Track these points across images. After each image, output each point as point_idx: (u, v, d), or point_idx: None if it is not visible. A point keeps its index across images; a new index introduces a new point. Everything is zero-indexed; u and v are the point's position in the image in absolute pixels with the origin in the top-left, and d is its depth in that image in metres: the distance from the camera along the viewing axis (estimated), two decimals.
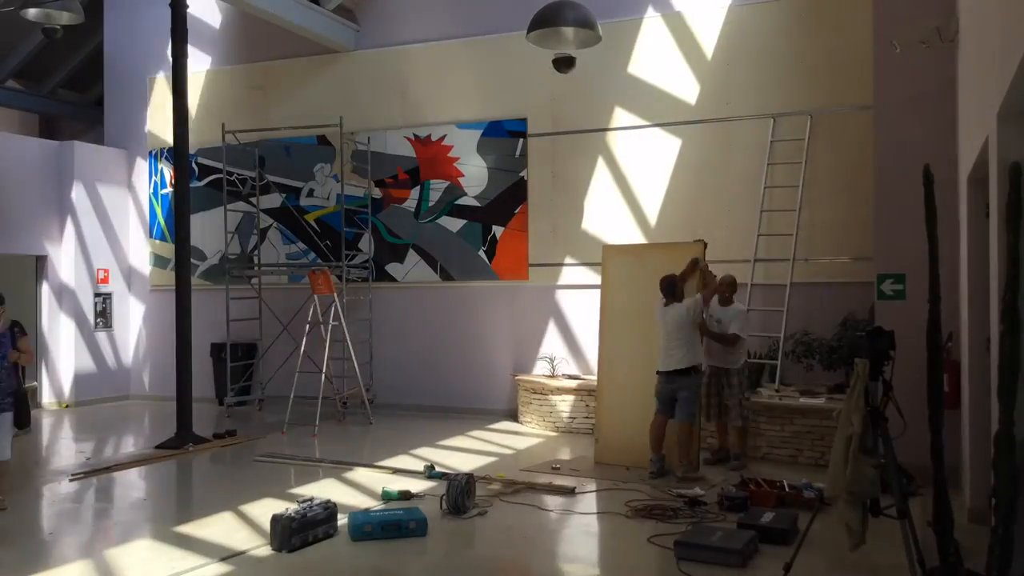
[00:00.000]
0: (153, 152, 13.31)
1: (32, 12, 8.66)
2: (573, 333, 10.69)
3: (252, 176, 12.33)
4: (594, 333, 10.51)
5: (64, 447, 9.97)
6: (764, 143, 9.70)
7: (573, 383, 9.93)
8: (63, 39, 10.06)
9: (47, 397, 12.39)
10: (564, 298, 10.74)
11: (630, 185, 10.41)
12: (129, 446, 9.90)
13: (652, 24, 10.31)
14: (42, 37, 10.97)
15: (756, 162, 9.71)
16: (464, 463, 8.05)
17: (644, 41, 10.33)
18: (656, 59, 10.28)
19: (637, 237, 10.33)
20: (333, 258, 11.63)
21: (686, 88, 10.13)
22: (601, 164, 10.56)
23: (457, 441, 9.37)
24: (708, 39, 10.01)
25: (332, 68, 12.11)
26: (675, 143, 10.18)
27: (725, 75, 9.93)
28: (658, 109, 10.25)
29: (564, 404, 9.94)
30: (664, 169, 10.22)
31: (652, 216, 10.28)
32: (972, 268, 6.05)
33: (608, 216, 10.47)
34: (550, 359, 10.36)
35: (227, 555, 5.38)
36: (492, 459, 8.41)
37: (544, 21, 8.00)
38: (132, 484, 7.70)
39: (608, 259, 8.71)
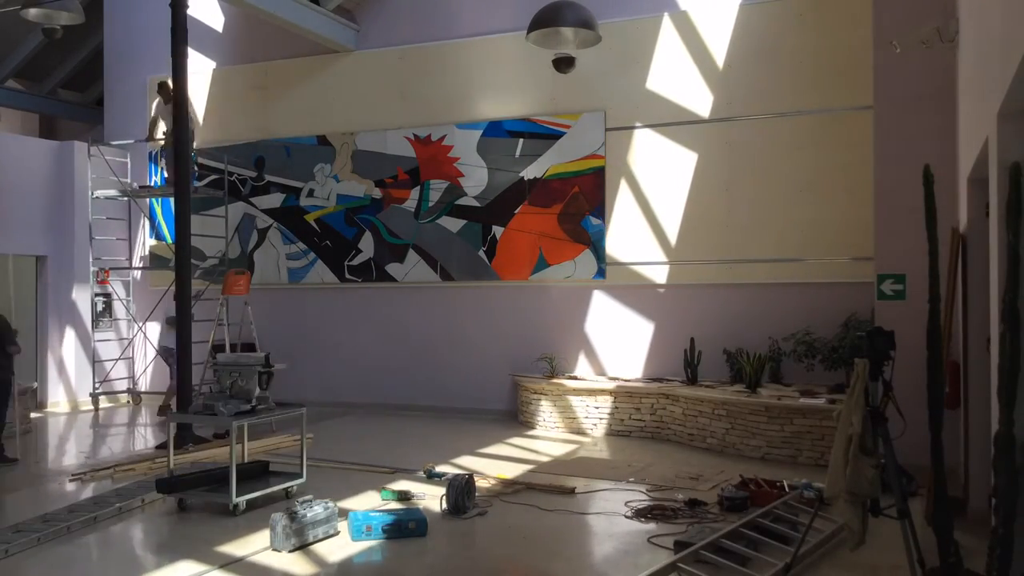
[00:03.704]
0: (153, 152, 13.30)
1: (32, 12, 8.68)
2: (574, 334, 10.68)
3: (252, 176, 12.34)
4: (598, 333, 10.56)
5: (64, 447, 9.97)
6: (764, 143, 9.70)
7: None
8: (63, 39, 10.09)
9: (47, 397, 12.38)
10: (565, 298, 10.74)
11: (636, 182, 10.41)
12: (130, 446, 9.90)
13: (655, 24, 10.31)
14: (42, 37, 10.99)
15: (756, 161, 9.73)
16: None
17: (647, 41, 10.33)
18: (660, 59, 10.28)
19: (638, 235, 10.34)
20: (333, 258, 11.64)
21: (686, 88, 10.13)
22: (606, 163, 10.56)
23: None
24: (710, 39, 10.01)
25: (332, 68, 12.11)
26: (674, 142, 10.18)
27: (725, 75, 9.93)
28: (659, 109, 10.26)
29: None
30: (663, 169, 10.22)
31: (651, 215, 10.28)
32: (972, 268, 6.05)
33: (609, 215, 10.47)
34: (549, 359, 10.35)
35: (227, 561, 5.38)
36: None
37: (544, 21, 8.01)
38: (132, 484, 7.69)
39: None
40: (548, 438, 9.57)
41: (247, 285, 10.92)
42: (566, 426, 9.90)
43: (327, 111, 12.07)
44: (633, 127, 10.39)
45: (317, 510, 5.70)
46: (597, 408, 9.77)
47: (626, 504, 6.54)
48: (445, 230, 11.36)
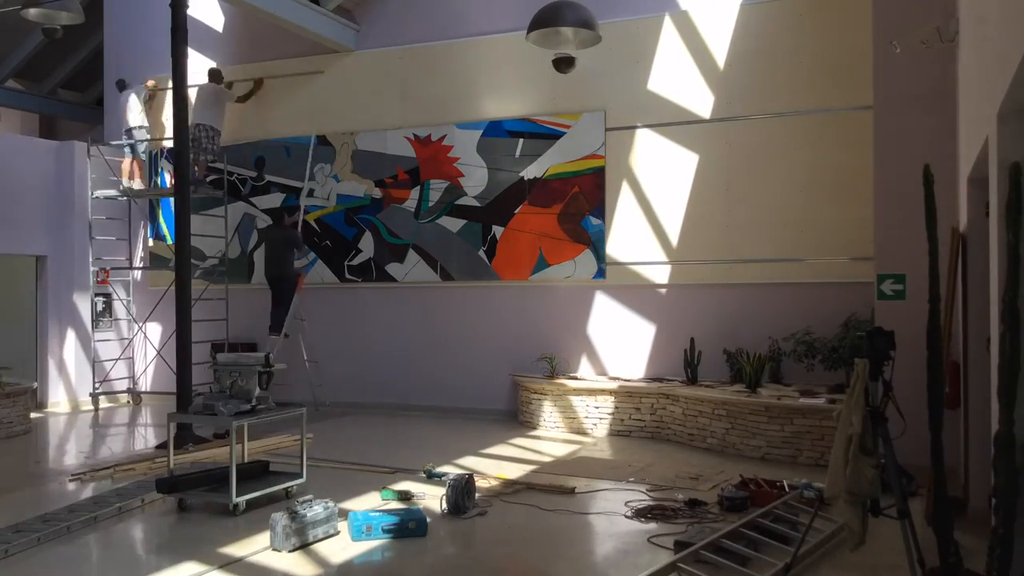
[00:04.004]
0: (153, 152, 13.30)
1: (32, 12, 8.66)
2: (574, 334, 10.68)
3: (252, 176, 12.35)
4: (598, 333, 10.56)
5: (64, 447, 9.96)
6: (764, 143, 9.70)
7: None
8: (63, 39, 10.08)
9: (47, 397, 12.38)
10: (565, 298, 10.74)
11: (636, 182, 10.42)
12: (130, 446, 9.90)
13: (655, 24, 10.31)
14: (42, 37, 10.98)
15: (756, 162, 9.73)
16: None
17: (648, 41, 10.33)
18: (660, 59, 10.28)
19: (638, 235, 10.34)
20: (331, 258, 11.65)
21: (686, 88, 10.13)
22: (606, 163, 10.56)
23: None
24: (710, 39, 10.01)
25: (332, 68, 12.11)
26: (674, 142, 10.18)
27: (725, 75, 9.93)
28: (659, 109, 10.26)
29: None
30: (664, 169, 10.23)
31: (652, 215, 10.28)
32: (972, 268, 6.05)
33: (609, 215, 10.47)
34: (549, 359, 10.35)
35: (227, 561, 5.38)
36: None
37: (544, 21, 8.01)
38: (132, 484, 7.69)
39: None
40: (548, 438, 9.57)
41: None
42: (566, 426, 9.90)
43: (327, 111, 12.07)
44: (633, 127, 10.39)
45: (317, 510, 5.70)
46: (597, 408, 9.78)
47: (626, 504, 6.54)
48: (445, 230, 11.36)
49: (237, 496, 6.33)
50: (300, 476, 6.99)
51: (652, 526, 6.00)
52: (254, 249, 12.46)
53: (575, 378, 10.25)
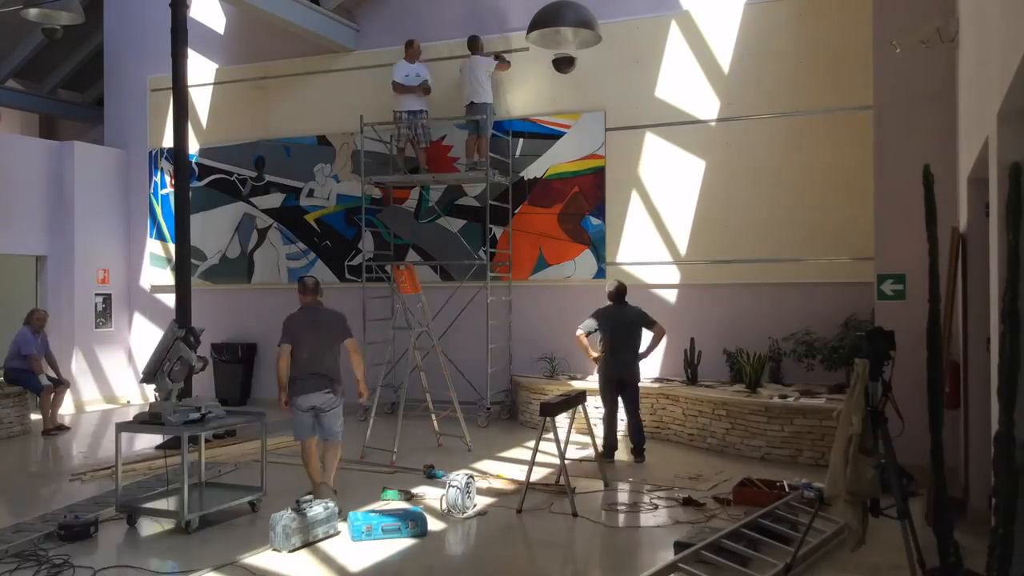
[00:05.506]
0: (153, 152, 13.31)
1: (32, 12, 8.68)
2: (575, 334, 10.64)
3: (252, 176, 12.35)
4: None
5: (64, 447, 9.95)
6: (764, 143, 9.70)
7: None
8: (63, 39, 10.09)
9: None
10: (565, 298, 10.73)
11: (636, 182, 10.42)
12: (130, 447, 9.88)
13: (655, 24, 10.30)
14: (42, 37, 10.99)
15: (756, 161, 9.73)
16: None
17: (648, 41, 10.33)
18: (661, 59, 10.28)
19: (638, 235, 10.34)
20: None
21: (687, 88, 10.13)
22: (606, 163, 10.55)
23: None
24: (711, 39, 10.01)
25: (332, 68, 12.10)
26: (674, 143, 10.18)
27: (725, 76, 9.93)
28: (659, 109, 10.26)
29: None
30: (664, 169, 10.22)
31: (652, 215, 10.28)
32: (972, 268, 6.05)
33: (609, 215, 10.47)
34: (549, 360, 10.34)
35: (226, 561, 5.37)
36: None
37: (544, 21, 8.02)
38: (132, 483, 7.69)
39: None
40: (547, 439, 9.54)
41: (415, 280, 9.13)
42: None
43: (327, 111, 12.06)
44: (633, 127, 10.39)
45: (317, 510, 5.70)
46: (598, 408, 9.74)
47: (625, 504, 6.53)
48: (445, 230, 11.35)
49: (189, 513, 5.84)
50: (260, 489, 6.48)
51: (653, 525, 6.00)
52: (254, 249, 12.44)
53: (575, 378, 10.24)
